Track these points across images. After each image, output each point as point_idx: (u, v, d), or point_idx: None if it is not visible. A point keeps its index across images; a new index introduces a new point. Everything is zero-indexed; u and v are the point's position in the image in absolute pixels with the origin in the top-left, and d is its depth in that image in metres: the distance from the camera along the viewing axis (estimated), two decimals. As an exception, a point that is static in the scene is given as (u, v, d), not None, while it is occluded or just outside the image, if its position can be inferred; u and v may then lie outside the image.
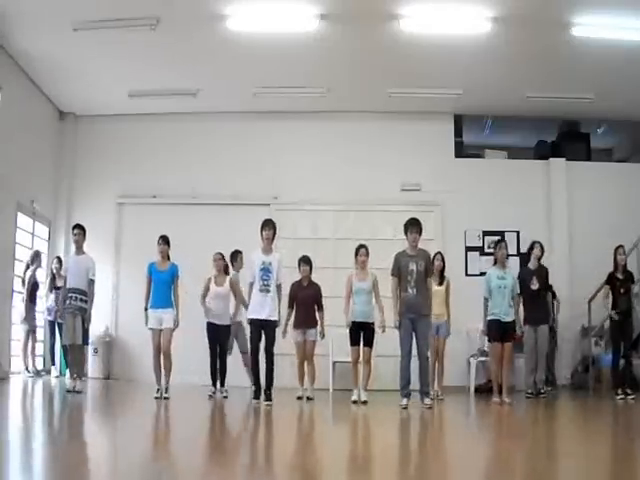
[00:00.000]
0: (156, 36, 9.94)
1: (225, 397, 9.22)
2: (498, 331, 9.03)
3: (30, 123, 11.77)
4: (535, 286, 9.80)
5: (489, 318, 9.13)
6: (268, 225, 8.48)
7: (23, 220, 11.62)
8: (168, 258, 8.98)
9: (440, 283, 9.80)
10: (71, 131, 13.02)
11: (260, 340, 8.29)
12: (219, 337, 9.33)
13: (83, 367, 9.22)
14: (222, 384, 9.45)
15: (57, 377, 11.44)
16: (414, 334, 8.03)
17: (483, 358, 11.45)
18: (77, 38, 9.95)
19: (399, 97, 11.99)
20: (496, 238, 12.54)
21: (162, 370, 8.73)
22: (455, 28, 9.86)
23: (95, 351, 11.93)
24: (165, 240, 8.97)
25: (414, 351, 8.11)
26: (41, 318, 11.79)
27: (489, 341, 9.30)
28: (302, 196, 12.47)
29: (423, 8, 9.45)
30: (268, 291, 8.31)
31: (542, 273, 10.02)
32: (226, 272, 9.56)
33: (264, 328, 8.27)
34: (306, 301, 9.41)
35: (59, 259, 11.78)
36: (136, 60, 11.00)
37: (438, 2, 9.35)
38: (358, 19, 9.71)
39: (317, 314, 9.41)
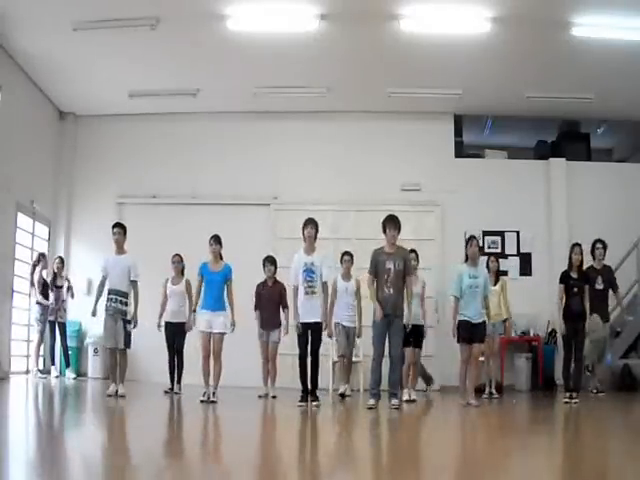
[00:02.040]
0: (156, 36, 9.94)
1: (177, 394, 9.39)
2: (468, 333, 8.49)
3: (30, 123, 11.77)
4: (600, 286, 9.59)
5: (459, 319, 8.56)
6: (310, 223, 8.25)
7: (23, 220, 11.62)
8: (221, 258, 8.61)
9: (495, 284, 9.75)
10: (71, 131, 13.02)
11: (308, 343, 8.13)
12: (174, 335, 9.65)
13: (125, 371, 8.74)
14: (178, 381, 9.61)
15: (57, 377, 11.44)
16: (387, 334, 7.77)
17: (482, 358, 11.43)
18: (77, 38, 9.95)
19: (399, 97, 11.99)
20: (497, 238, 12.65)
21: (211, 374, 8.41)
22: (455, 28, 9.86)
23: (95, 351, 11.92)
24: (217, 240, 8.58)
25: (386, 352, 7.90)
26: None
27: (458, 342, 8.69)
28: (302, 196, 12.46)
29: (423, 8, 9.45)
30: (314, 292, 8.07)
31: (606, 272, 9.82)
32: (183, 273, 9.86)
33: (311, 331, 8.11)
34: (269, 302, 9.50)
35: (61, 259, 11.80)
36: (136, 60, 10.99)
37: (438, 2, 9.35)
38: (358, 19, 9.71)
39: (282, 314, 9.53)
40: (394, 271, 7.76)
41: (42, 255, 11.68)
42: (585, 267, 9.44)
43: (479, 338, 8.56)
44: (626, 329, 11.44)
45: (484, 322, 8.63)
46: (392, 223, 7.84)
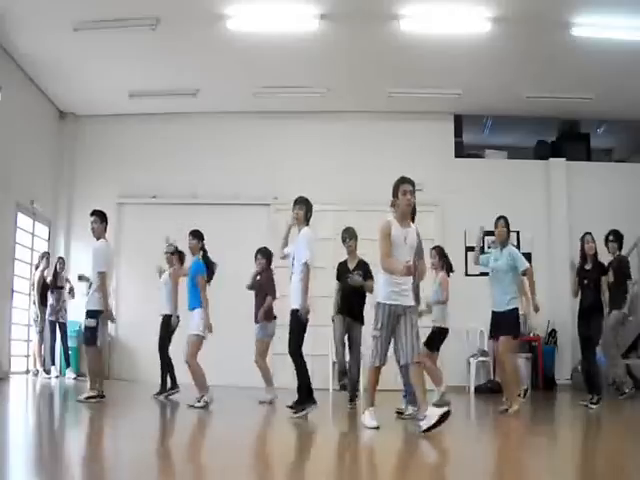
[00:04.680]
0: (156, 36, 9.95)
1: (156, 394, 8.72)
2: (492, 325, 7.60)
3: (30, 123, 11.77)
4: (610, 279, 8.91)
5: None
6: (296, 204, 7.24)
7: (23, 220, 11.63)
8: (205, 252, 8.08)
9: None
10: (71, 131, 13.02)
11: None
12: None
13: (93, 373, 7.72)
14: (172, 381, 8.86)
15: (57, 377, 11.43)
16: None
17: (483, 358, 11.46)
18: (77, 38, 9.95)
19: (399, 97, 12.00)
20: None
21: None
22: (455, 28, 9.87)
23: (95, 351, 11.91)
24: (193, 235, 8.09)
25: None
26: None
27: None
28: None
29: (423, 8, 9.45)
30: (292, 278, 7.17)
31: (616, 265, 9.07)
32: (181, 262, 9.04)
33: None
34: (256, 296, 9.03)
35: (62, 259, 11.81)
36: (136, 60, 10.99)
37: (438, 2, 9.35)
38: (358, 19, 9.72)
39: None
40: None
41: (44, 255, 11.72)
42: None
43: (504, 329, 7.39)
44: (626, 329, 11.41)
45: (510, 310, 7.39)
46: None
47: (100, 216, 8.06)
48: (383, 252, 5.89)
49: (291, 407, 7.02)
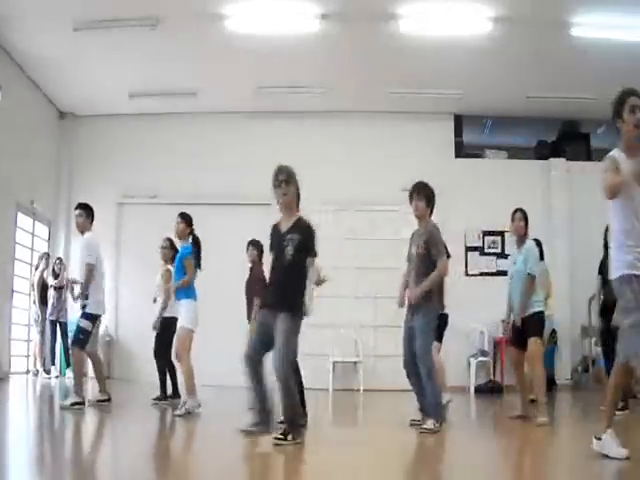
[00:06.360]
0: (156, 36, 9.95)
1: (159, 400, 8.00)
2: (513, 332, 6.96)
3: (30, 123, 11.77)
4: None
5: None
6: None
7: (23, 220, 11.63)
8: (195, 238, 7.48)
9: None
10: (71, 131, 13.02)
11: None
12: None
13: (76, 377, 7.19)
14: (174, 389, 8.18)
15: (57, 377, 11.43)
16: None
17: (483, 358, 11.46)
18: (77, 38, 9.96)
19: (399, 97, 12.00)
20: (497, 238, 12.63)
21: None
22: (455, 28, 9.87)
23: (95, 351, 11.90)
24: (181, 217, 7.43)
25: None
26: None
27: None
28: (302, 196, 12.40)
29: (423, 8, 9.46)
30: None
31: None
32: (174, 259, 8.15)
33: None
34: (247, 289, 8.29)
35: (60, 259, 11.81)
36: (136, 60, 10.99)
37: (438, 2, 9.36)
38: (358, 19, 9.71)
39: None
40: (416, 255, 6.20)
41: (43, 256, 11.73)
42: None
43: (531, 331, 6.71)
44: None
45: (534, 313, 6.74)
46: (416, 191, 6.26)
47: (85, 209, 7.60)
48: (608, 182, 4.23)
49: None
